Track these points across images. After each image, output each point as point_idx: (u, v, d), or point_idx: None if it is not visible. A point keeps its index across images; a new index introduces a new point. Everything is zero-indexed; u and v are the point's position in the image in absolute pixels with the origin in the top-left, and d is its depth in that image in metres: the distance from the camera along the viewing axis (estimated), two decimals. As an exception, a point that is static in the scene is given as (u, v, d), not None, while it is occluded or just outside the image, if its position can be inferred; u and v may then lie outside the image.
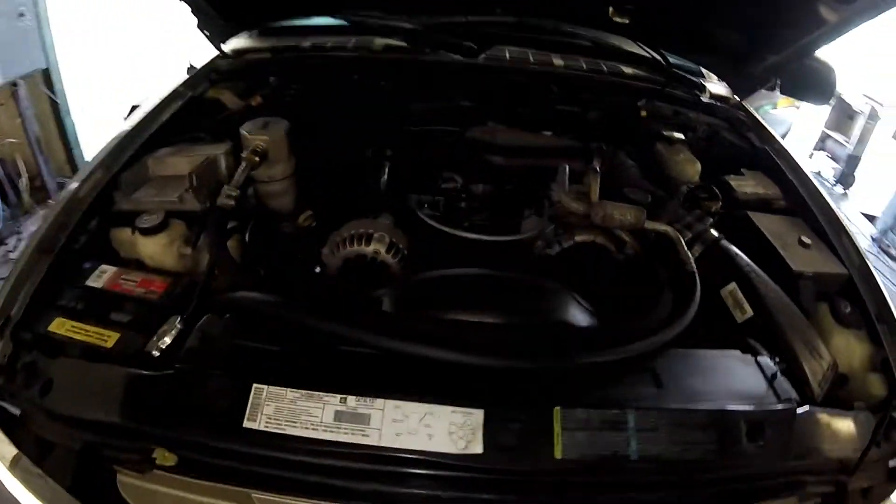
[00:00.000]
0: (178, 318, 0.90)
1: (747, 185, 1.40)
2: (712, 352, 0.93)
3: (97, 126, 2.96)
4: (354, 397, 0.79)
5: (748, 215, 1.27)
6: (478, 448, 0.77)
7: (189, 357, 0.85)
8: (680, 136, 1.56)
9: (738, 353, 0.94)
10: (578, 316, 0.94)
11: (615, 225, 1.11)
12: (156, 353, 0.86)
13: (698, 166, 1.45)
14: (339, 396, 0.80)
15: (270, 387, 0.81)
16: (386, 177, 1.37)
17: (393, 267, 1.15)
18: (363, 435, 0.77)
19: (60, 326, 0.90)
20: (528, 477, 0.79)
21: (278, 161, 1.23)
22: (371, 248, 1.13)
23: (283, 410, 0.80)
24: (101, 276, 0.99)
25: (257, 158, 1.17)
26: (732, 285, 1.07)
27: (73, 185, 1.12)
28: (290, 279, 1.17)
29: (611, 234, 1.19)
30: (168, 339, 0.87)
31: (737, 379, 0.89)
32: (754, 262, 1.10)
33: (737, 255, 1.12)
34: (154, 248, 1.07)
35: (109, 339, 0.88)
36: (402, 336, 0.84)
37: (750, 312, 1.03)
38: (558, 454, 0.77)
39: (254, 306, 0.93)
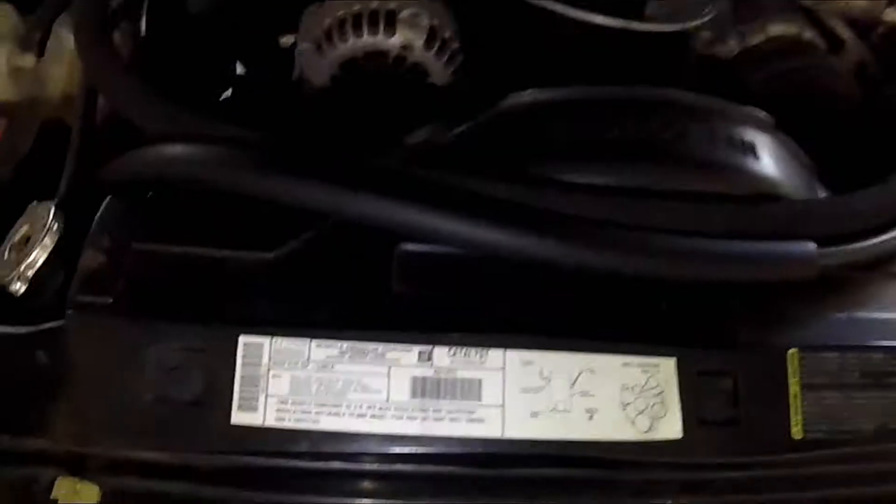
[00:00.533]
0: (51, 209, 0.46)
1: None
2: None
3: None
4: (447, 349, 0.42)
5: None
6: (674, 427, 0.43)
7: (91, 288, 0.43)
8: None
9: None
10: (796, 180, 0.56)
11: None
12: (18, 290, 0.43)
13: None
14: (416, 349, 0.42)
15: (277, 338, 0.42)
16: None
17: (438, 76, 0.61)
18: (471, 420, 0.41)
19: None
20: (750, 470, 0.46)
21: None
22: (397, 40, 0.58)
23: (307, 384, 0.41)
24: None
25: None
26: None
27: None
28: (246, 102, 0.66)
29: (825, 26, 0.69)
30: (41, 259, 0.44)
31: None
32: None
33: None
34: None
35: None
36: (527, 223, 0.44)
37: None
38: (798, 432, 0.45)
39: (199, 169, 0.46)
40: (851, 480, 0.47)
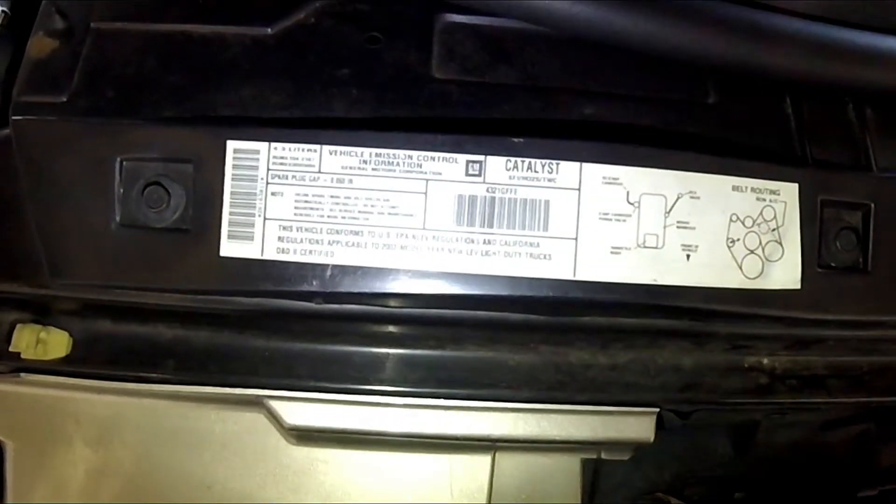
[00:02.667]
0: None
1: None
2: None
3: None
4: (504, 160, 0.31)
5: None
6: (792, 274, 0.33)
7: (39, 84, 0.32)
8: None
9: None
10: None
11: None
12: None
13: None
14: (463, 158, 0.31)
15: (278, 144, 0.31)
16: None
17: None
18: (533, 256, 0.31)
19: None
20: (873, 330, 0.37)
21: None
22: None
23: (317, 204, 0.31)
24: None
25: None
26: None
27: None
28: None
29: None
30: None
31: None
32: None
33: None
34: None
35: None
36: None
37: None
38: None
39: None
40: None
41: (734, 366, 0.37)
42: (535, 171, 0.31)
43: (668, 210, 0.32)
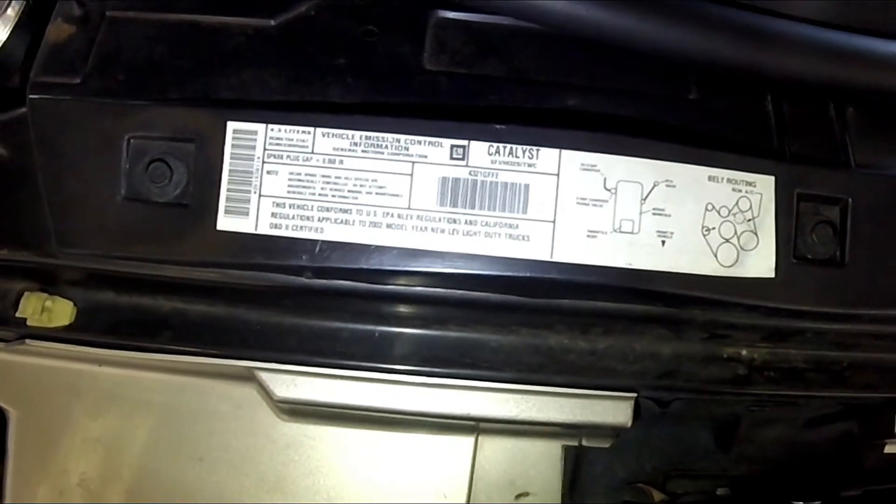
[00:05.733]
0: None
1: None
2: None
3: None
4: (487, 145, 0.32)
5: None
6: (766, 263, 0.34)
7: (56, 66, 0.34)
8: None
9: None
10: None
11: None
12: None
13: None
14: (448, 143, 0.32)
15: (275, 125, 0.33)
16: None
17: None
18: (512, 237, 0.33)
19: None
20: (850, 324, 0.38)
21: None
22: None
23: (309, 183, 0.33)
24: None
25: None
26: None
27: None
28: None
29: None
30: (2, 35, 0.35)
31: None
32: None
33: None
34: None
35: None
36: None
37: None
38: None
39: None
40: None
41: (713, 355, 0.37)
42: (517, 157, 0.32)
43: (644, 197, 0.33)
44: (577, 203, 0.33)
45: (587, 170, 0.33)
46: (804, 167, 0.35)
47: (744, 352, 0.37)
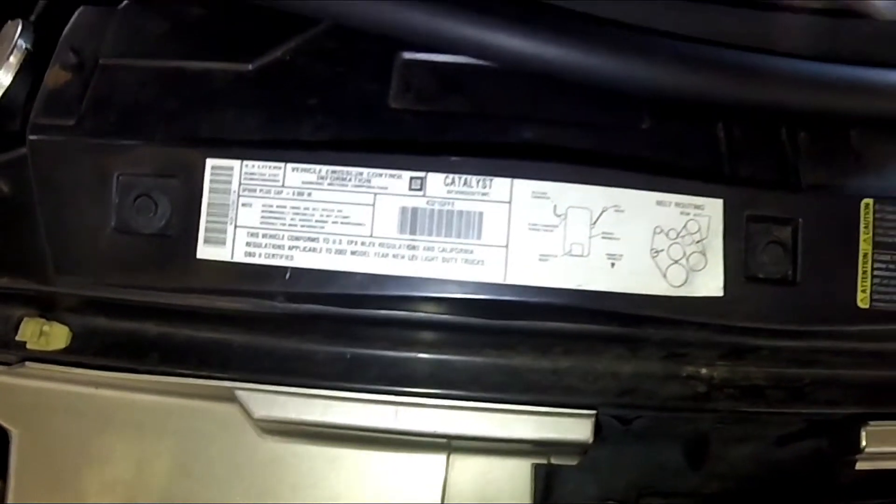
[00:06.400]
0: (19, 25, 0.41)
1: None
2: None
3: None
4: (443, 176, 0.35)
5: None
6: (714, 283, 0.35)
7: (54, 108, 0.38)
8: None
9: None
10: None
11: None
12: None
13: None
14: (407, 175, 0.35)
15: (249, 161, 0.36)
16: None
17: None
18: (468, 262, 0.35)
19: None
20: (802, 340, 0.39)
21: None
22: None
23: (280, 214, 0.35)
24: None
25: None
26: None
27: None
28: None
29: None
30: (6, 81, 0.39)
31: None
32: None
33: None
34: None
35: None
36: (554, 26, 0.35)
37: None
38: (864, 300, 0.36)
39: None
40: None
41: (672, 374, 0.39)
42: (471, 187, 0.35)
43: (593, 222, 0.35)
44: (529, 229, 0.35)
45: (538, 197, 0.35)
46: (754, 190, 0.36)
47: (703, 370, 0.39)
